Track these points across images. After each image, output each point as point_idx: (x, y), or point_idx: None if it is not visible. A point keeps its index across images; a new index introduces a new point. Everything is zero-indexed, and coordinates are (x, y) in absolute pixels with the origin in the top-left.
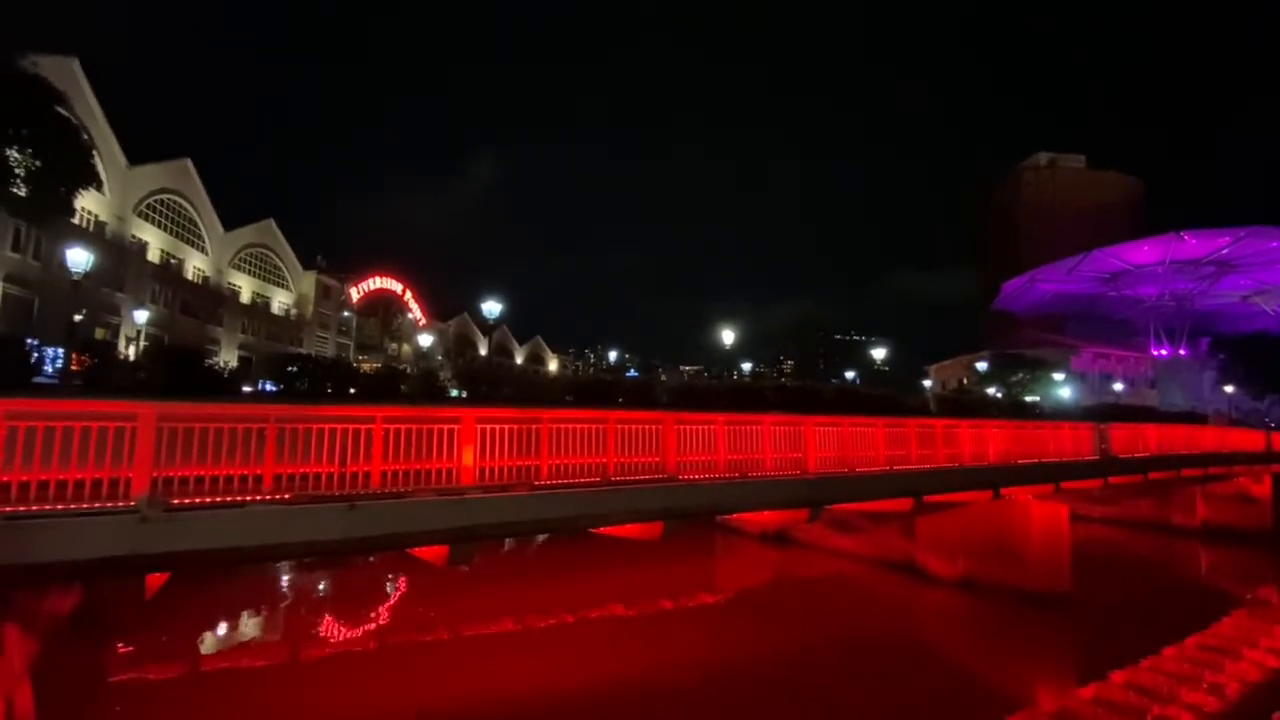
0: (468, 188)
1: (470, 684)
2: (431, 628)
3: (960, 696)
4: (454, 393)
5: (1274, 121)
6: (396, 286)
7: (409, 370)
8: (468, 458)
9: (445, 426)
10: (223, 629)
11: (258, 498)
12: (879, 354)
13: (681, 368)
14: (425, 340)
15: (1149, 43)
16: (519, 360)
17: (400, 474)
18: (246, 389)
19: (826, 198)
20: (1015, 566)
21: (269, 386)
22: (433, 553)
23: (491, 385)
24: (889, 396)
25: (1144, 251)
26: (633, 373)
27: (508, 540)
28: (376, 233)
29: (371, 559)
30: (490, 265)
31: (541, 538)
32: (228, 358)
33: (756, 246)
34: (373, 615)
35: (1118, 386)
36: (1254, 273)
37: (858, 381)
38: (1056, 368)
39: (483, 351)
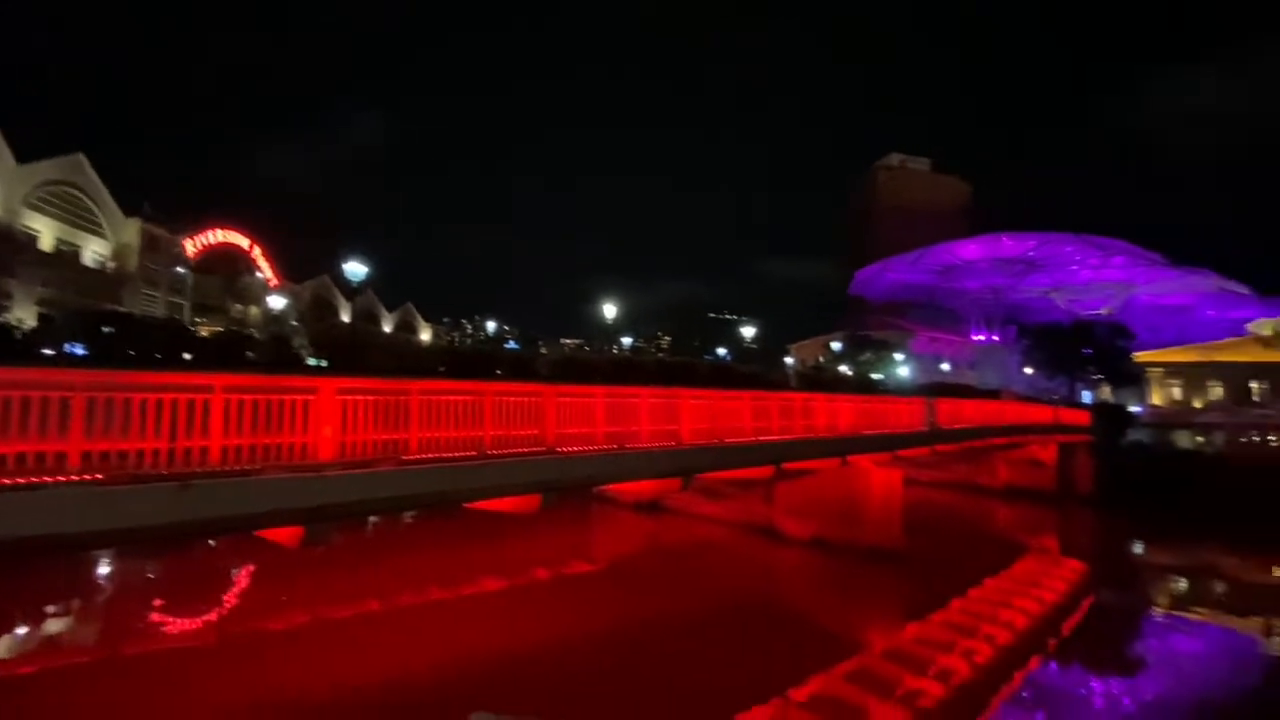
0: (337, 145)
1: (327, 670)
2: (285, 613)
3: (810, 642)
4: (313, 362)
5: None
6: (243, 241)
7: (257, 336)
8: (326, 431)
9: (300, 397)
10: (23, 629)
11: (61, 479)
12: (748, 333)
13: (563, 341)
14: (277, 303)
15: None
16: (387, 329)
17: (246, 449)
18: (48, 352)
19: (704, 185)
20: (857, 526)
21: (78, 349)
22: (285, 534)
23: (354, 354)
24: (757, 373)
25: (971, 249)
26: (512, 345)
27: (375, 518)
28: (231, 185)
29: (213, 543)
30: (358, 227)
31: (413, 514)
32: (22, 315)
33: (636, 227)
34: (214, 604)
35: (945, 367)
36: (1053, 272)
37: (729, 358)
38: (898, 349)
39: (345, 318)
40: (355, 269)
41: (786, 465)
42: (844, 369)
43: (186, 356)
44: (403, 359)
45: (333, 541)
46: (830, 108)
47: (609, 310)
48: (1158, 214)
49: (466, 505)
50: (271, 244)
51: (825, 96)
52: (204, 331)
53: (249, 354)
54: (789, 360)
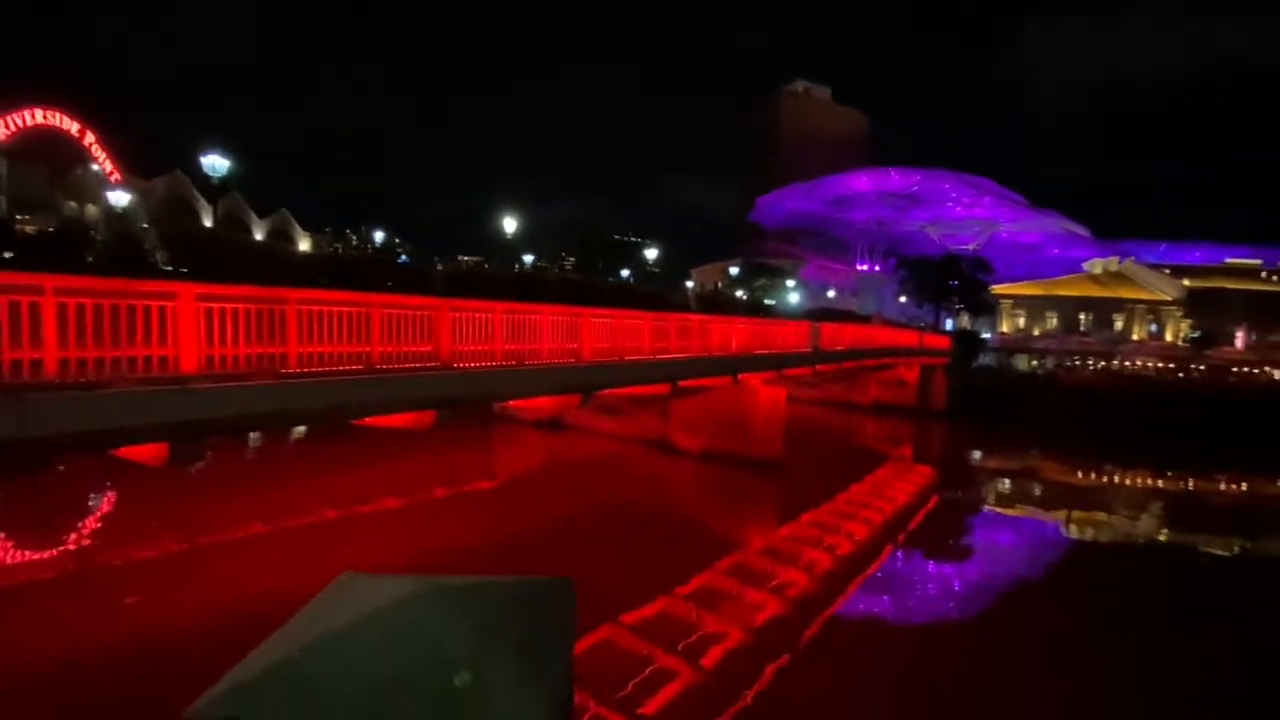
0: (199, 13)
1: (203, 599)
2: (155, 540)
3: (698, 542)
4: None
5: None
6: (70, 125)
7: (97, 236)
8: (189, 341)
9: (155, 304)
10: None
11: None
12: (651, 254)
13: (461, 258)
14: (119, 200)
15: None
16: (259, 237)
17: (93, 363)
18: None
19: (607, 101)
20: (743, 439)
21: None
22: (147, 452)
23: (217, 260)
24: (659, 295)
25: (861, 181)
26: (404, 259)
27: (257, 436)
28: (64, 64)
29: (62, 466)
30: (224, 122)
31: (300, 432)
32: None
33: (540, 142)
34: (68, 534)
35: (831, 294)
36: (931, 207)
37: (632, 279)
38: (790, 276)
39: (207, 222)
40: (216, 163)
41: (683, 383)
42: (740, 293)
43: (7, 256)
44: (280, 268)
45: (203, 460)
46: (738, 30)
47: (509, 225)
48: (1021, 160)
49: (355, 422)
50: (113, 132)
51: (735, 18)
52: (28, 229)
53: (89, 257)
54: (690, 284)
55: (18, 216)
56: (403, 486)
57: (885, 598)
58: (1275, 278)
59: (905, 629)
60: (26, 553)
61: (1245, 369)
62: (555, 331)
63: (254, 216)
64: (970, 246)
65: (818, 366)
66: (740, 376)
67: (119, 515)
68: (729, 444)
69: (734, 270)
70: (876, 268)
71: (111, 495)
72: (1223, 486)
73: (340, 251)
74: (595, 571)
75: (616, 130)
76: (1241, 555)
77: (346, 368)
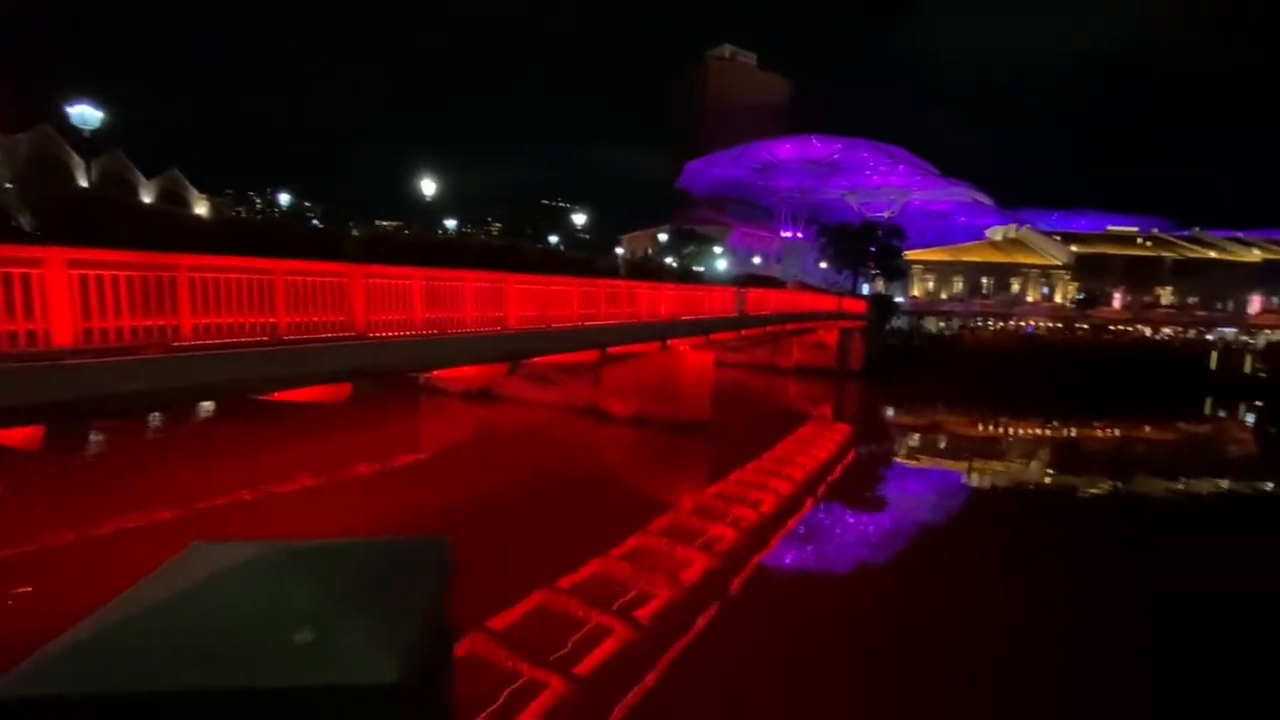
0: None
1: (100, 592)
2: (37, 533)
3: (630, 505)
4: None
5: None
6: None
7: None
8: (61, 313)
9: (17, 270)
10: None
11: None
12: (579, 220)
13: (379, 222)
14: None
15: None
16: (148, 199)
17: None
18: None
19: (534, 60)
20: (672, 403)
21: None
22: (18, 436)
23: (92, 224)
24: (587, 261)
25: (785, 148)
26: (316, 224)
27: (155, 415)
28: None
29: None
30: (108, 72)
31: (209, 410)
32: None
33: (470, 106)
34: None
35: (756, 260)
36: (851, 175)
37: (561, 246)
38: (718, 243)
39: (84, 182)
40: (85, 114)
41: (613, 349)
42: (670, 260)
43: None
44: (165, 233)
45: (89, 443)
46: None
47: (428, 188)
48: (934, 130)
49: (264, 397)
50: None
51: None
52: None
53: None
54: (620, 250)
55: None
56: (325, 463)
57: (808, 547)
58: (1149, 244)
59: (826, 575)
60: None
61: (1121, 327)
62: (479, 299)
63: (141, 177)
64: (886, 214)
65: (743, 331)
66: (669, 342)
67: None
68: (659, 409)
69: (663, 237)
70: (799, 235)
71: None
72: (1099, 433)
73: (243, 215)
74: (529, 539)
75: (549, 94)
76: (1113, 492)
77: (250, 339)
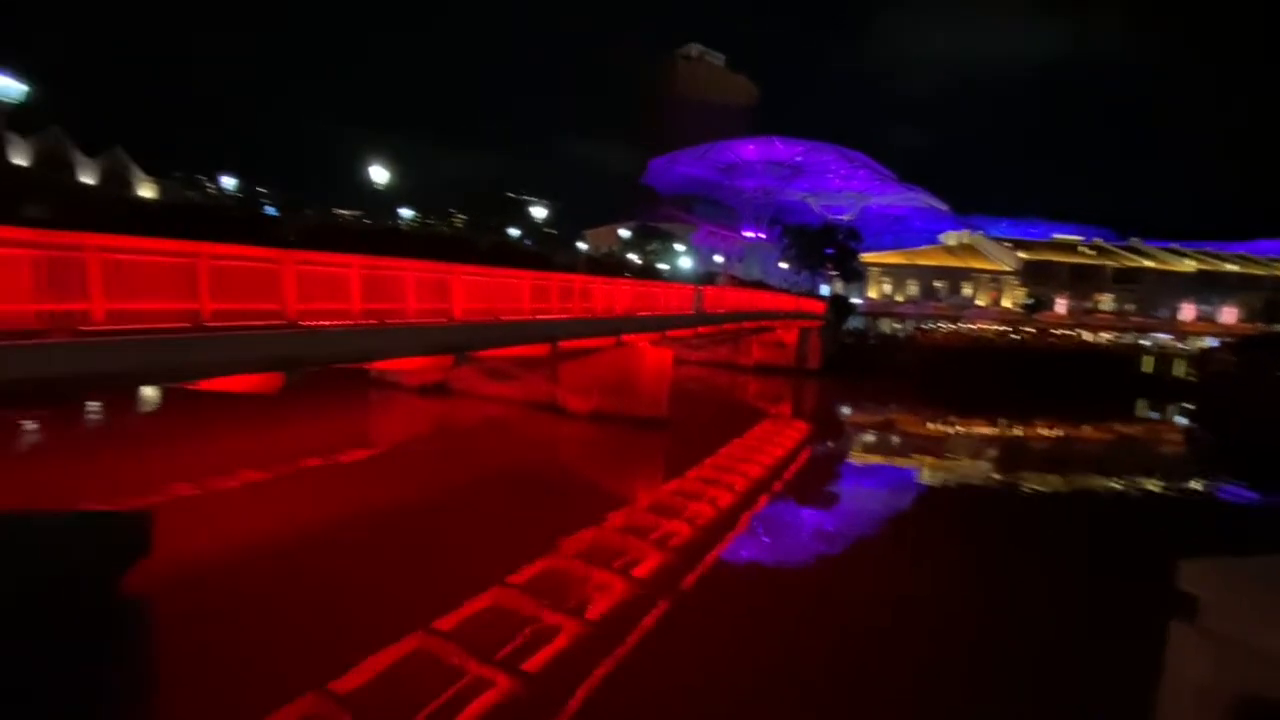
0: None
1: None
2: None
3: (585, 501)
4: None
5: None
6: None
7: None
8: None
9: None
10: None
11: None
12: (540, 213)
13: (336, 210)
14: None
15: None
16: (89, 180)
17: None
18: None
19: (498, 52)
20: (631, 399)
21: None
22: None
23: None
24: (540, 254)
25: (749, 149)
26: (270, 210)
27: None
28: None
29: None
30: (41, 42)
31: (155, 405)
32: None
33: (438, 95)
34: None
35: (719, 259)
36: (813, 178)
37: (526, 241)
38: (681, 241)
39: (20, 162)
40: (5, 87)
41: (564, 344)
42: (633, 257)
43: None
44: (87, 212)
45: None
46: None
47: (379, 175)
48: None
49: (190, 385)
50: None
51: None
52: None
53: None
54: (583, 245)
55: None
56: (270, 457)
57: (763, 542)
58: (1091, 252)
59: (780, 571)
60: None
61: (1064, 331)
62: (421, 290)
63: (78, 154)
64: (845, 217)
65: (700, 328)
66: (624, 337)
67: None
68: (617, 405)
69: (627, 233)
70: (762, 235)
71: None
72: (1041, 432)
73: (194, 199)
74: (484, 531)
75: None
76: (1052, 488)
77: (169, 325)
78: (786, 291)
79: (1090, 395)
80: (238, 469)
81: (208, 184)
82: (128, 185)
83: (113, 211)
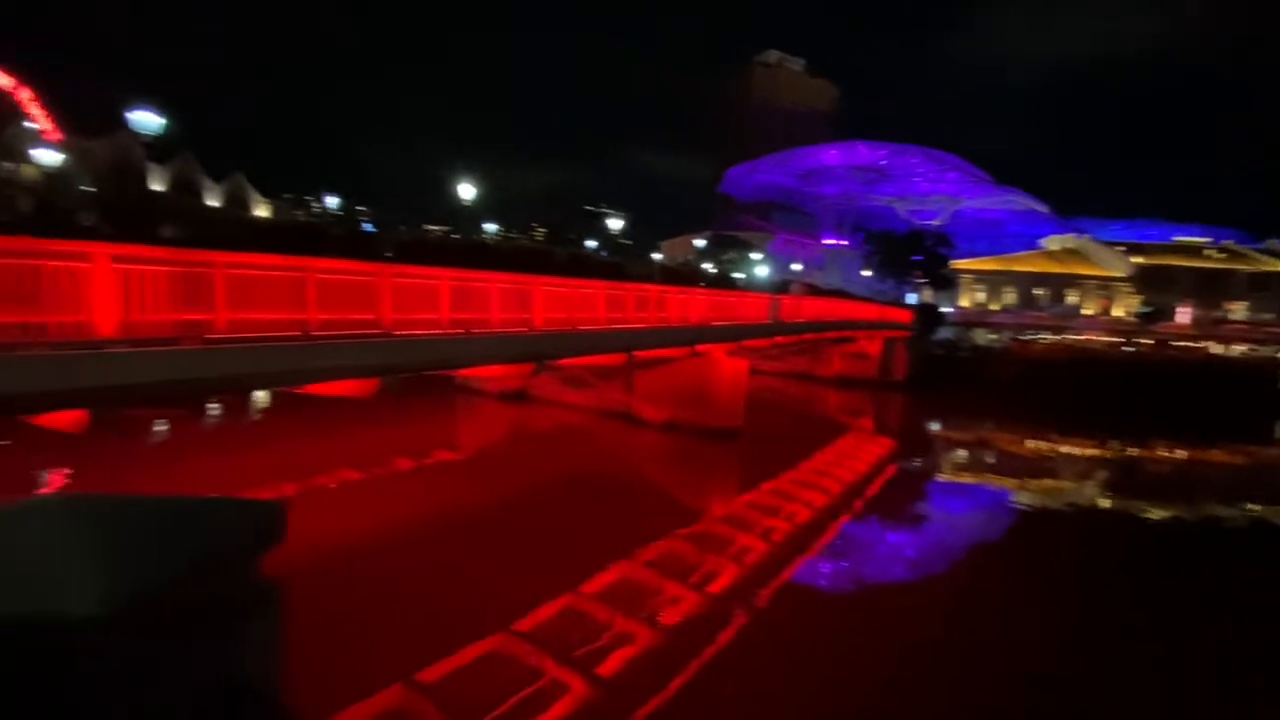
0: None
1: None
2: None
3: (659, 511)
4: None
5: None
6: (4, 81)
7: (18, 200)
8: (104, 305)
9: (64, 264)
10: None
11: None
12: (616, 225)
13: (426, 226)
14: (51, 159)
15: None
16: (214, 202)
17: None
18: None
19: (578, 68)
20: (705, 409)
21: None
22: (65, 419)
23: (145, 220)
24: (616, 265)
25: (831, 154)
26: (369, 227)
27: (189, 404)
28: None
29: None
30: (180, 79)
31: (261, 406)
32: None
33: (522, 110)
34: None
35: (797, 267)
36: (898, 182)
37: (602, 251)
38: (758, 249)
39: (158, 186)
40: (146, 120)
41: (640, 353)
42: (709, 266)
43: None
44: (211, 232)
45: (122, 426)
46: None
47: (466, 192)
48: (987, 138)
49: (292, 390)
50: (54, 89)
51: None
52: None
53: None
54: (658, 256)
55: None
56: (364, 458)
57: (842, 563)
58: (1221, 255)
59: (860, 593)
60: None
61: (1187, 343)
62: (505, 300)
63: (208, 181)
64: (934, 222)
65: (777, 338)
66: (700, 347)
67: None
68: (692, 415)
69: (702, 243)
70: (844, 242)
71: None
72: (1162, 454)
73: (301, 219)
74: (561, 538)
75: (597, 98)
76: (1176, 519)
77: (282, 334)
78: (870, 300)
79: (1220, 415)
80: (336, 468)
81: (314, 204)
82: (246, 207)
83: (234, 230)
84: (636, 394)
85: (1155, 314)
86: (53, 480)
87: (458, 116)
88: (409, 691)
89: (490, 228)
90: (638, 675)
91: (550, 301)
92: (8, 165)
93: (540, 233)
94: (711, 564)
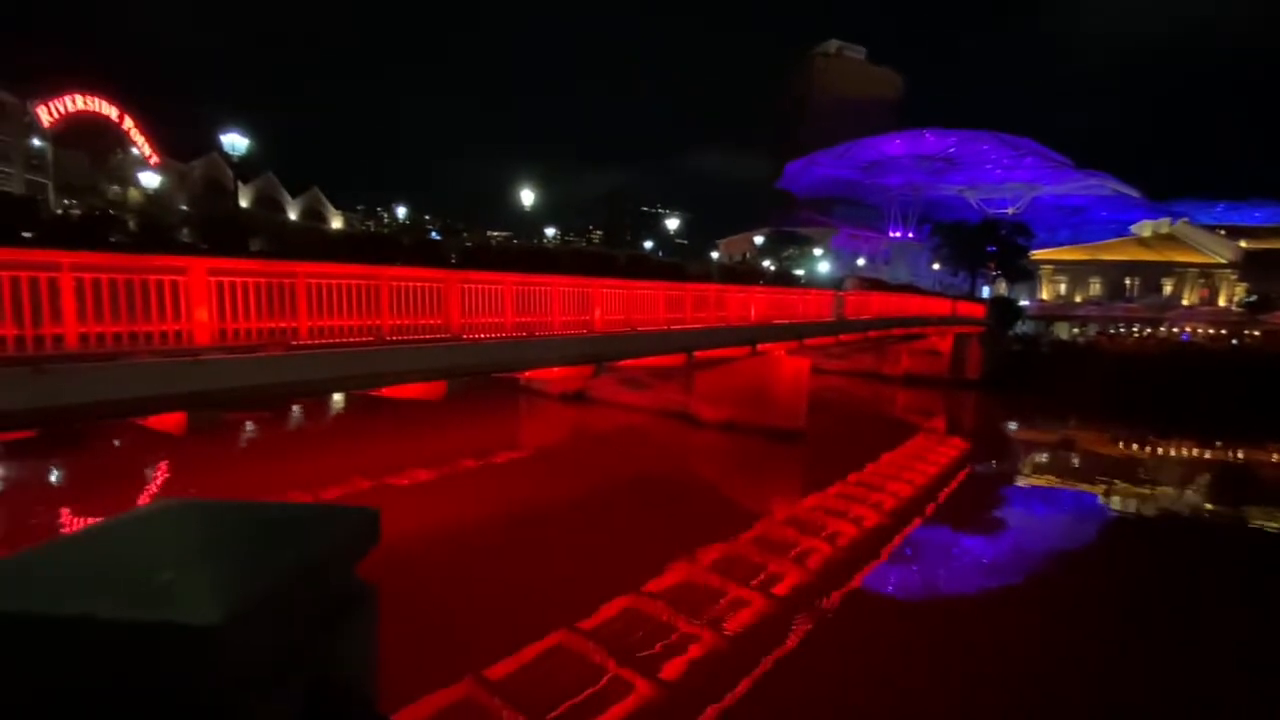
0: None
1: None
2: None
3: (719, 512)
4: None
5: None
6: (111, 111)
7: (124, 217)
8: (201, 314)
9: (167, 278)
10: None
11: None
12: (673, 224)
13: (490, 233)
14: (151, 181)
15: None
16: (293, 216)
17: (111, 337)
18: None
19: (636, 73)
20: (766, 410)
21: None
22: (169, 421)
23: (235, 237)
24: (675, 265)
25: (895, 144)
26: (435, 235)
27: (274, 406)
28: (98, 45)
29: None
30: (266, 101)
31: (337, 407)
32: None
33: (574, 117)
34: (97, 499)
35: (861, 262)
36: (968, 170)
37: (659, 252)
38: (820, 245)
39: (244, 203)
40: (234, 143)
41: (699, 354)
42: (768, 263)
43: (26, 235)
44: (294, 244)
45: (218, 428)
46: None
47: (526, 198)
48: (1069, 120)
49: (366, 393)
50: (151, 115)
51: None
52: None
53: (111, 238)
54: (716, 254)
55: (65, 202)
56: (433, 458)
57: (913, 569)
58: None
59: (932, 602)
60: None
61: None
62: (566, 303)
63: (287, 195)
64: (1009, 210)
65: (841, 336)
66: (760, 346)
67: (158, 482)
68: (752, 415)
69: (760, 240)
70: (910, 234)
71: (148, 463)
72: (1276, 458)
73: (372, 229)
74: (622, 536)
75: (652, 99)
76: None
77: (358, 339)
78: (939, 294)
79: None
80: (407, 468)
81: (384, 214)
82: (322, 219)
83: (313, 242)
84: (695, 394)
85: (1265, 303)
86: (160, 479)
87: (518, 124)
88: (477, 686)
89: (550, 232)
90: (701, 678)
91: (609, 303)
92: (115, 189)
93: (598, 236)
94: (775, 567)
